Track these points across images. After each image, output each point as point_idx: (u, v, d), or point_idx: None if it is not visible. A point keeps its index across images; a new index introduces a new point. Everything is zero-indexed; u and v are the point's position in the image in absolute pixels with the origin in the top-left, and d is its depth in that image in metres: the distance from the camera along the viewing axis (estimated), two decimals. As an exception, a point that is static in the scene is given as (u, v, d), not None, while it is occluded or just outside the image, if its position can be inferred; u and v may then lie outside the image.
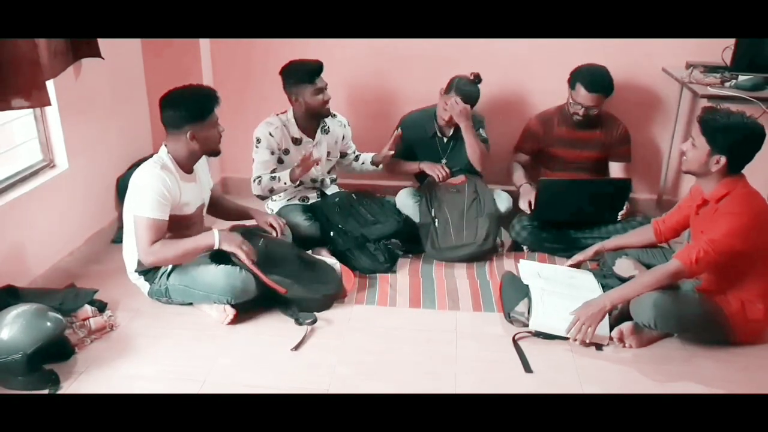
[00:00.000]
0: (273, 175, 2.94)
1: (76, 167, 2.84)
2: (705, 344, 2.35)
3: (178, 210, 2.47)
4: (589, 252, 2.69)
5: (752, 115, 2.23)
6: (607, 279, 2.60)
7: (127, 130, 3.24)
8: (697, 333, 2.35)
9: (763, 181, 3.34)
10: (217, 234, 2.42)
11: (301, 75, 2.92)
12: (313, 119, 3.03)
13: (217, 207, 2.81)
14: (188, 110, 2.40)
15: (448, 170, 3.17)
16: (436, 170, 3.16)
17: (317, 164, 2.99)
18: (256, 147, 2.98)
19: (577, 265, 2.71)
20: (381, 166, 3.22)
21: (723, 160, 2.19)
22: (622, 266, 2.57)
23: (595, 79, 3.02)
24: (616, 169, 3.23)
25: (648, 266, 2.53)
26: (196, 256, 2.47)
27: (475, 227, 3.00)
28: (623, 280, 2.50)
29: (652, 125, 3.45)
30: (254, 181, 2.98)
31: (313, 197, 3.14)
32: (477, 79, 3.08)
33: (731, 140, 2.17)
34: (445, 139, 3.23)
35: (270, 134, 2.96)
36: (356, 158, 3.26)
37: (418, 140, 3.21)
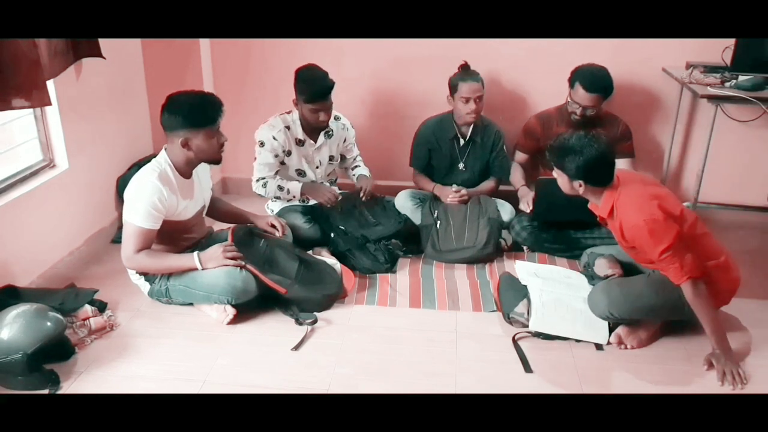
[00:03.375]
0: (281, 185, 2.98)
1: (76, 167, 2.83)
2: (681, 318, 2.34)
3: (176, 216, 2.46)
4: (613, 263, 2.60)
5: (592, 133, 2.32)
6: (594, 280, 2.59)
7: (127, 130, 3.23)
8: (658, 312, 2.34)
9: (762, 180, 3.36)
10: (197, 258, 2.42)
11: (305, 90, 2.88)
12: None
13: (215, 209, 2.80)
14: (183, 116, 2.35)
15: (460, 193, 3.15)
16: (447, 196, 3.16)
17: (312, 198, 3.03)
18: (260, 149, 2.97)
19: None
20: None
21: (581, 182, 2.30)
22: (600, 266, 2.58)
23: (594, 79, 3.02)
24: (621, 166, 3.21)
25: (626, 265, 2.53)
26: (177, 272, 2.48)
27: (476, 231, 3.00)
28: (606, 277, 2.50)
29: (653, 125, 3.45)
30: (257, 181, 2.99)
31: (295, 201, 3.12)
32: (466, 65, 3.13)
33: (575, 165, 2.27)
34: (462, 142, 3.22)
35: (273, 138, 2.95)
36: (353, 168, 3.24)
37: (437, 144, 3.22)
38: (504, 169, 3.28)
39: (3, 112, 2.35)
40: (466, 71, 3.12)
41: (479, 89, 3.07)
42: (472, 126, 3.19)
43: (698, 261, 2.23)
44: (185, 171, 2.48)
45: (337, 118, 3.11)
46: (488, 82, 3.14)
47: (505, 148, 3.26)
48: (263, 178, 2.99)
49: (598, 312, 2.36)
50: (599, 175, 2.30)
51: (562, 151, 2.31)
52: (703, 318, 2.22)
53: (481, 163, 3.25)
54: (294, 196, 2.99)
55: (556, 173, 2.37)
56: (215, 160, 2.49)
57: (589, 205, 2.44)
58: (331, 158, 3.15)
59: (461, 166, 3.24)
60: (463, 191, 3.17)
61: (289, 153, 3.02)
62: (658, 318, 2.39)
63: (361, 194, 3.06)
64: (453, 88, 3.11)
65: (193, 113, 2.36)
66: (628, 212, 2.24)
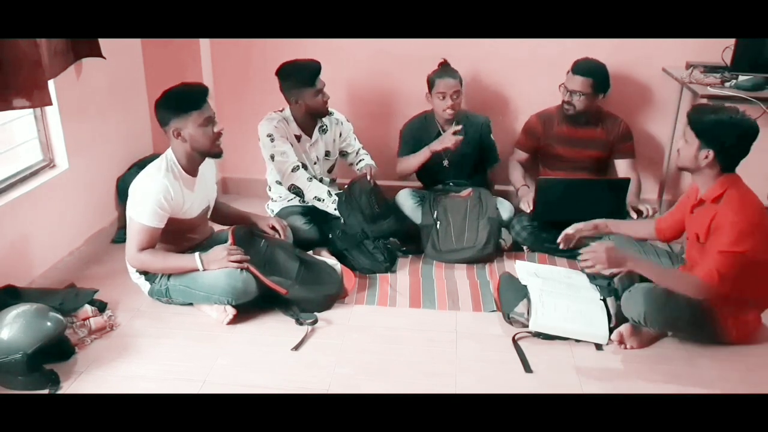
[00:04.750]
0: (330, 191, 2.99)
1: (76, 167, 2.83)
2: (701, 343, 2.35)
3: (181, 215, 2.47)
4: (589, 224, 2.60)
5: (746, 110, 2.22)
6: (597, 279, 2.58)
7: (127, 130, 3.24)
8: (687, 331, 2.35)
9: (762, 180, 3.36)
10: (198, 259, 2.43)
11: (300, 78, 2.91)
12: (312, 118, 3.04)
13: (216, 213, 2.79)
14: (169, 105, 2.39)
15: (458, 136, 3.04)
16: (446, 142, 3.04)
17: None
18: (272, 142, 2.96)
19: (572, 239, 2.61)
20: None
21: (711, 154, 2.18)
22: None
23: (583, 64, 3.04)
24: (622, 167, 3.22)
25: None
26: (179, 272, 2.48)
27: (476, 231, 2.99)
28: (605, 277, 2.49)
29: (653, 125, 3.45)
30: (293, 170, 2.96)
31: (329, 210, 3.10)
32: (445, 63, 3.13)
33: (719, 134, 2.16)
34: None
35: (275, 127, 2.97)
36: (358, 162, 3.22)
37: (421, 143, 3.18)
38: (496, 156, 3.27)
39: (3, 112, 2.35)
40: (444, 68, 3.12)
41: (455, 85, 3.06)
42: (454, 122, 3.16)
43: (739, 290, 2.21)
44: (190, 168, 2.48)
45: (330, 113, 3.12)
46: (488, 81, 3.14)
47: (492, 135, 3.24)
48: (298, 167, 2.97)
49: (631, 314, 2.30)
50: (735, 154, 2.19)
51: (711, 116, 2.19)
52: (669, 275, 2.27)
53: (468, 157, 3.19)
54: (335, 209, 2.97)
55: (686, 138, 2.24)
56: (213, 151, 2.47)
57: (690, 184, 2.37)
58: (327, 153, 3.16)
59: (446, 163, 3.19)
60: (469, 191, 3.14)
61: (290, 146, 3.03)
62: (684, 336, 2.38)
63: (368, 177, 3.03)
64: (430, 85, 3.11)
65: (176, 99, 2.39)
66: (738, 205, 2.16)
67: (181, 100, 2.39)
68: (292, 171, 2.97)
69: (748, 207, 2.19)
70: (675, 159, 2.34)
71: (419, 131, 3.22)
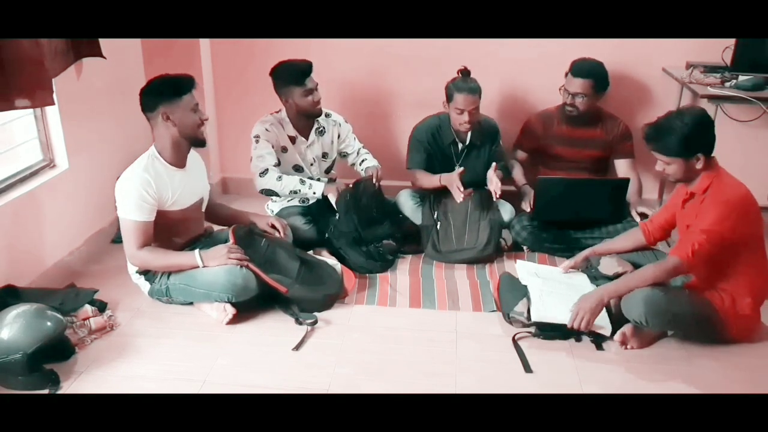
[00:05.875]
0: (303, 179, 2.97)
1: (76, 167, 2.84)
2: (701, 342, 2.35)
3: (169, 206, 2.47)
4: (579, 258, 2.63)
5: (689, 104, 2.31)
6: (598, 280, 2.58)
7: (127, 130, 3.23)
8: (689, 330, 2.36)
9: (762, 180, 3.37)
10: (198, 256, 2.43)
11: (290, 77, 2.92)
12: (305, 119, 3.03)
13: (216, 214, 2.80)
14: (160, 89, 2.42)
15: (466, 190, 2.97)
16: (455, 188, 2.95)
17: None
18: (256, 143, 2.98)
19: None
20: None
21: (701, 157, 2.22)
22: (607, 265, 2.58)
23: (581, 65, 3.04)
24: (622, 167, 3.22)
25: (633, 263, 2.53)
26: (180, 270, 2.48)
27: (477, 232, 2.99)
28: (610, 279, 2.50)
29: (652, 125, 3.45)
30: (261, 175, 2.96)
31: (313, 198, 3.12)
32: (466, 71, 3.03)
33: (693, 140, 2.20)
34: (461, 146, 3.14)
35: (266, 130, 2.98)
36: (361, 163, 3.21)
37: (434, 148, 3.12)
38: (501, 161, 3.24)
39: (4, 112, 2.35)
40: (464, 79, 2.99)
41: (474, 101, 2.96)
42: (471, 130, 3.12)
43: (709, 273, 2.27)
44: (175, 158, 2.50)
45: (327, 115, 3.11)
46: (488, 81, 3.13)
47: (501, 141, 3.23)
48: (266, 170, 2.95)
49: (632, 316, 2.30)
50: (707, 142, 2.23)
51: (670, 134, 2.21)
52: (640, 277, 2.30)
53: (480, 163, 3.18)
54: (315, 192, 2.96)
55: (666, 160, 2.26)
56: (198, 138, 2.50)
57: (677, 186, 2.42)
58: (324, 155, 3.15)
59: (459, 169, 3.07)
60: (470, 190, 3.12)
61: (284, 149, 3.03)
62: (684, 335, 2.38)
63: (374, 179, 3.01)
64: (449, 96, 3.00)
65: (167, 84, 2.43)
66: (723, 189, 2.22)
67: (171, 85, 2.43)
68: (260, 175, 2.95)
69: (735, 190, 2.24)
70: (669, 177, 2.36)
71: (432, 137, 3.12)
